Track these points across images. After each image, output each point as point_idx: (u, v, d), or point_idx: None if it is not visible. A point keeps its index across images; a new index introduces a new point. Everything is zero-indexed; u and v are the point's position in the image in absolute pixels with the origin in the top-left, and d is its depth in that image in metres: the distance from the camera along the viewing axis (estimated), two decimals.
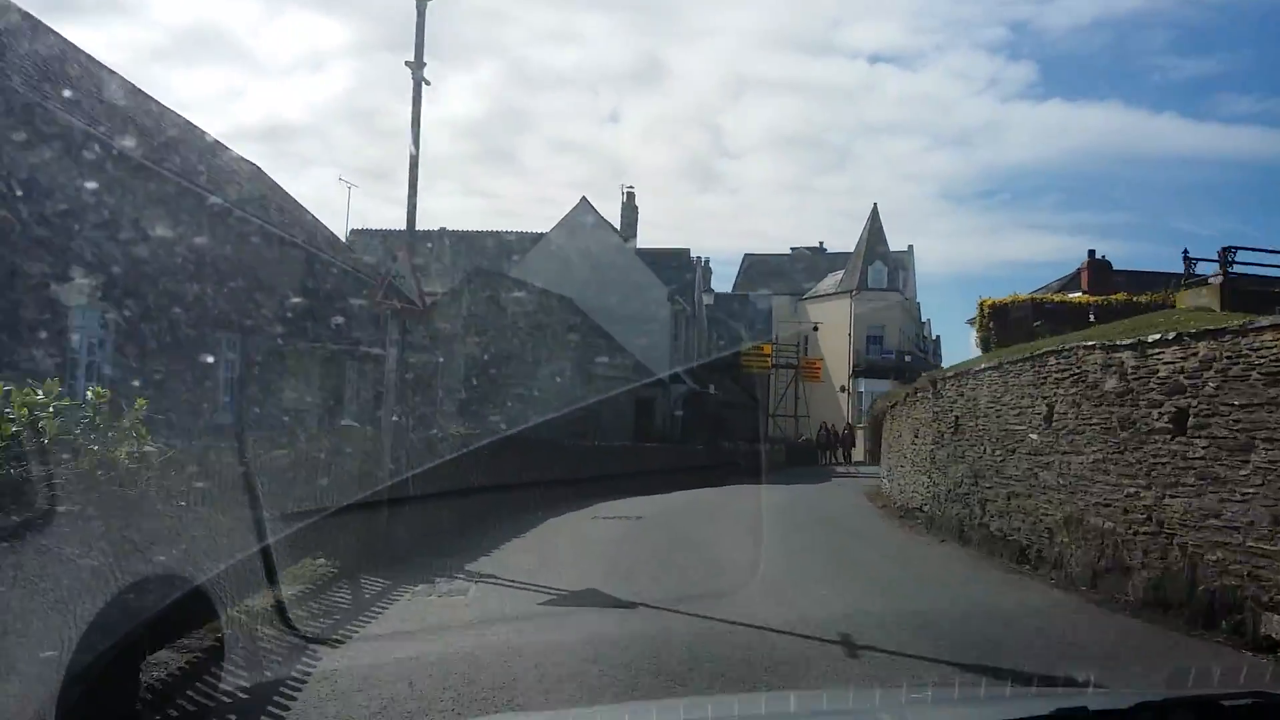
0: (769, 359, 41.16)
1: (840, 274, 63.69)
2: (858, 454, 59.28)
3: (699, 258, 40.03)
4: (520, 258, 34.94)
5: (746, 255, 70.23)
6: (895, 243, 63.17)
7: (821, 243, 72.02)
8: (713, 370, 40.18)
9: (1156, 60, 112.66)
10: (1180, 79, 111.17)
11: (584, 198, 35.92)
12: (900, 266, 63.16)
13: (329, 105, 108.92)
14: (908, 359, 57.88)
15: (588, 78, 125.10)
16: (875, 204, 63.77)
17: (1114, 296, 31.14)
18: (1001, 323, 31.89)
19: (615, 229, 35.49)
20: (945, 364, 75.25)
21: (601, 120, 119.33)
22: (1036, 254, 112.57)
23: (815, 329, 54.85)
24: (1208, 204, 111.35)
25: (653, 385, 32.74)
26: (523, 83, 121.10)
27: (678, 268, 37.10)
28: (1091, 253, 39.35)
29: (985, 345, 32.59)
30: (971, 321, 35.51)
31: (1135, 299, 28.13)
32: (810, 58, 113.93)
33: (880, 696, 4.29)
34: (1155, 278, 32.38)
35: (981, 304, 33.66)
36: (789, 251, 71.35)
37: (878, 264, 61.01)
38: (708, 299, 42.59)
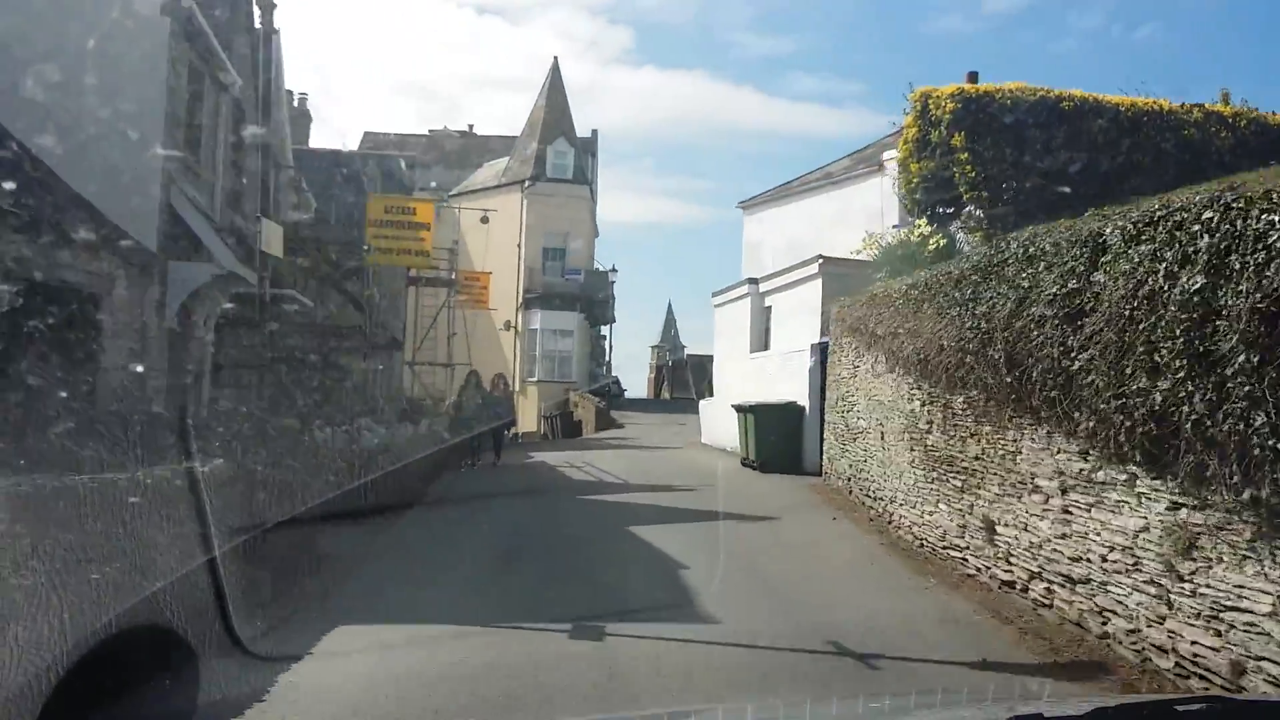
0: (425, 238, 20.34)
1: (505, 161, 43.99)
2: (526, 424, 40.95)
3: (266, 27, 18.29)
4: None
5: (367, 134, 48.08)
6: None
7: (472, 125, 51.72)
8: (305, 269, 19.00)
9: (738, 36, 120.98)
10: (758, 55, 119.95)
11: None
12: (588, 152, 44.63)
13: None
14: (613, 279, 39.78)
15: None
16: (555, 58, 44.32)
17: None
18: (984, 134, 13.94)
19: None
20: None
21: None
22: (638, 215, 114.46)
23: (485, 219, 34.73)
24: (779, 176, 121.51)
25: (114, 253, 11.07)
26: None
27: None
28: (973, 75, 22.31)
29: (933, 185, 14.54)
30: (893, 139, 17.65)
31: None
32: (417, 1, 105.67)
33: (837, 705, 3.99)
34: None
35: (927, 96, 15.33)
36: (426, 134, 50.15)
37: (561, 143, 41.98)
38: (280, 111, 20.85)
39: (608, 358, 52.02)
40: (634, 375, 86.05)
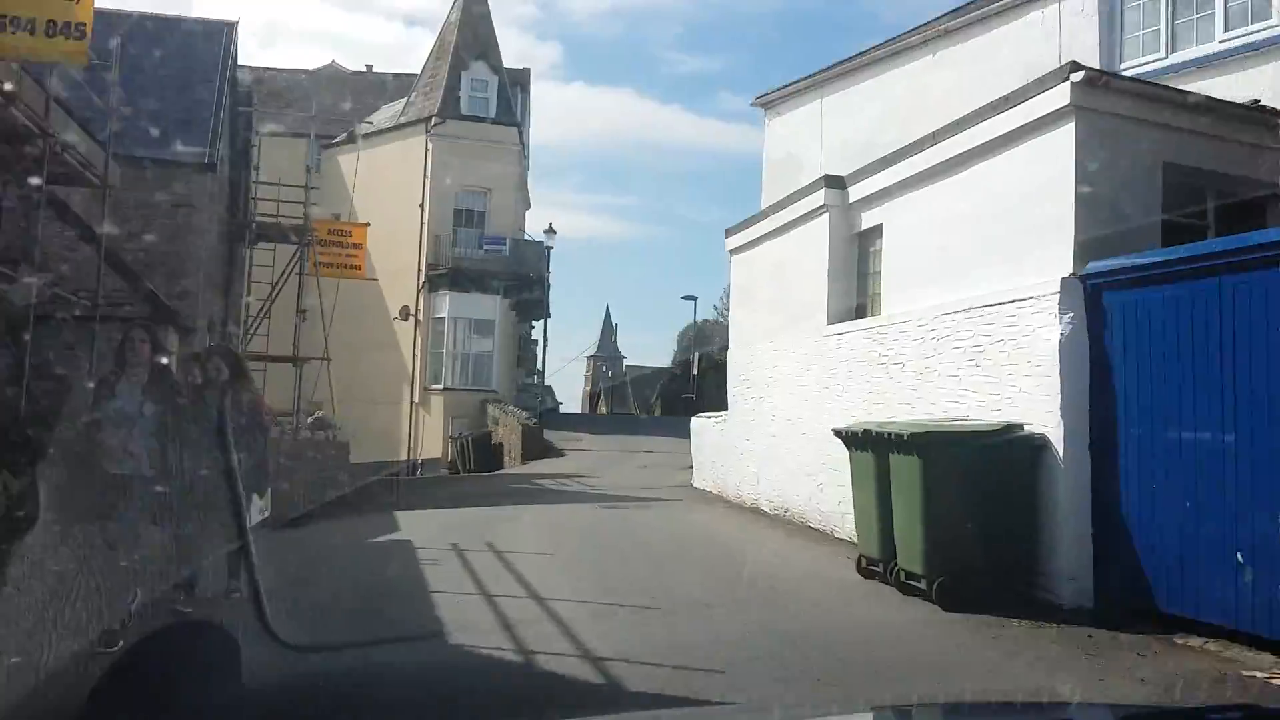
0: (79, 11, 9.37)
1: (406, 101, 32.90)
2: (425, 451, 31.01)
3: None
4: None
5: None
6: None
7: (371, 65, 40.55)
8: None
9: (666, 53, 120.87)
10: (686, 73, 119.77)
11: None
12: (518, 85, 33.74)
13: None
14: (549, 245, 28.72)
15: None
16: None
17: None
18: None
19: None
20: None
21: None
22: (564, 232, 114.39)
23: (352, 137, 23.70)
24: (707, 194, 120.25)
25: None
26: None
27: None
28: None
29: None
30: None
31: None
32: (345, 12, 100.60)
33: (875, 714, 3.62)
34: None
35: None
36: (306, 71, 38.57)
37: (480, 69, 31.06)
38: None
39: (539, 364, 40.74)
40: (566, 392, 74.72)
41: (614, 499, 14.52)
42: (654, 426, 30.85)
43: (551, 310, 31.68)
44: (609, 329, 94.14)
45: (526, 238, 31.60)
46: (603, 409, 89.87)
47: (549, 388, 40.69)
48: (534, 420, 25.06)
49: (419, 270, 30.25)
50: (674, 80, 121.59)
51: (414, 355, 30.16)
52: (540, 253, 30.26)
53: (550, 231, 29.08)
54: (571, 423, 32.84)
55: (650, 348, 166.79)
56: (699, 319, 45.55)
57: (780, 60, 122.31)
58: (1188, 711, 2.57)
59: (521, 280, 30.43)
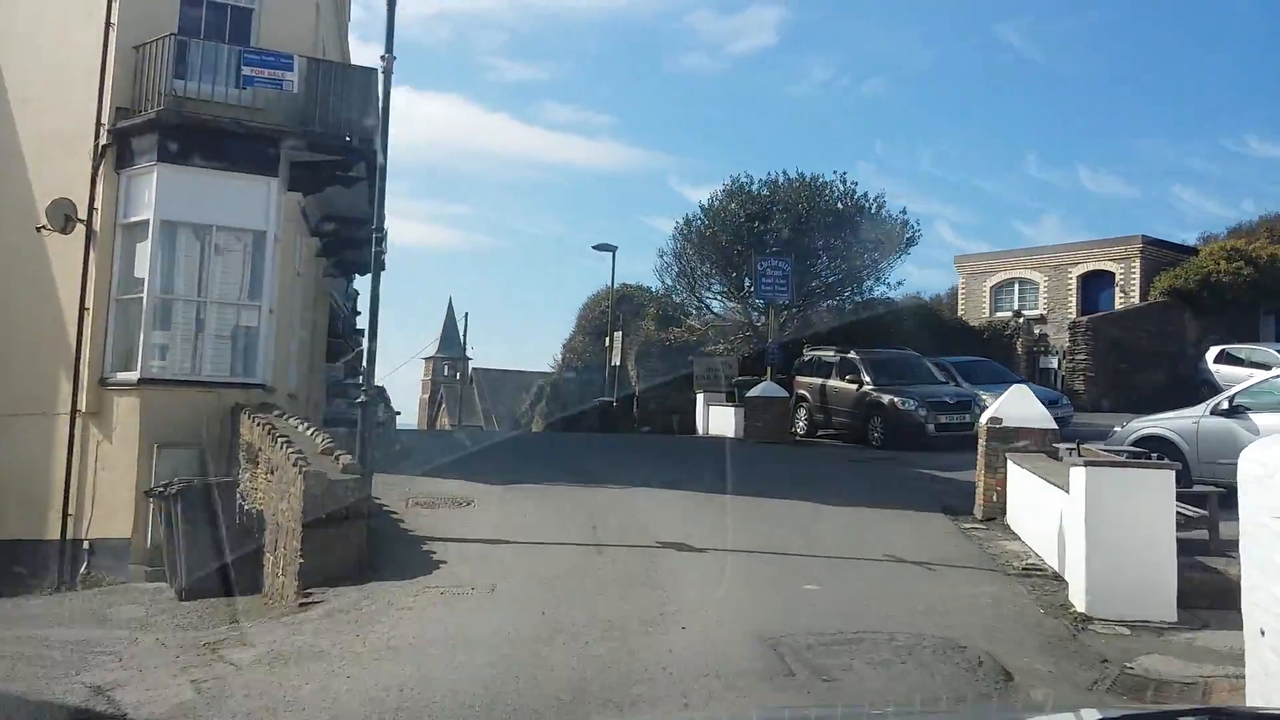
0: None
1: None
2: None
3: None
4: None
5: None
6: None
7: None
8: None
9: (491, 60, 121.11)
10: (513, 80, 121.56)
11: None
12: None
13: None
14: (386, 72, 12.62)
15: None
16: None
17: None
18: None
19: None
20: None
21: None
22: (393, 238, 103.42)
23: None
24: (536, 206, 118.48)
25: None
26: None
27: None
28: None
29: None
30: None
31: None
32: None
33: (842, 710, 4.25)
34: None
35: None
36: None
37: None
38: None
39: (363, 346, 23.66)
40: (401, 400, 56.85)
41: None
42: (602, 457, 15.46)
43: (382, 289, 14.90)
44: (452, 325, 77.04)
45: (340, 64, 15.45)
46: (444, 422, 71.97)
47: (381, 389, 24.24)
48: (348, 465, 8.98)
49: (97, 123, 13.79)
50: (501, 88, 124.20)
51: (80, 309, 13.64)
52: (367, 94, 14.19)
53: (387, 59, 12.96)
54: (428, 452, 16.89)
55: (495, 356, 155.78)
56: (615, 284, 29.94)
57: (603, 72, 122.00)
58: (1158, 714, 2.45)
59: (331, 151, 14.36)
